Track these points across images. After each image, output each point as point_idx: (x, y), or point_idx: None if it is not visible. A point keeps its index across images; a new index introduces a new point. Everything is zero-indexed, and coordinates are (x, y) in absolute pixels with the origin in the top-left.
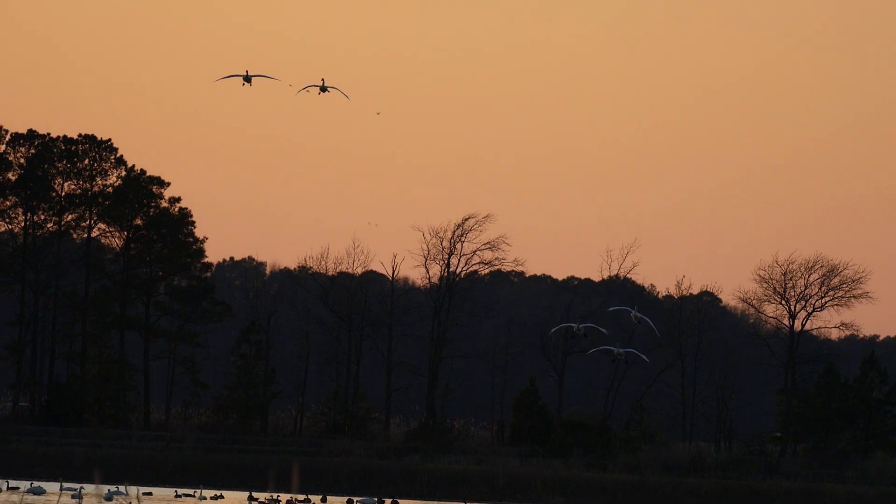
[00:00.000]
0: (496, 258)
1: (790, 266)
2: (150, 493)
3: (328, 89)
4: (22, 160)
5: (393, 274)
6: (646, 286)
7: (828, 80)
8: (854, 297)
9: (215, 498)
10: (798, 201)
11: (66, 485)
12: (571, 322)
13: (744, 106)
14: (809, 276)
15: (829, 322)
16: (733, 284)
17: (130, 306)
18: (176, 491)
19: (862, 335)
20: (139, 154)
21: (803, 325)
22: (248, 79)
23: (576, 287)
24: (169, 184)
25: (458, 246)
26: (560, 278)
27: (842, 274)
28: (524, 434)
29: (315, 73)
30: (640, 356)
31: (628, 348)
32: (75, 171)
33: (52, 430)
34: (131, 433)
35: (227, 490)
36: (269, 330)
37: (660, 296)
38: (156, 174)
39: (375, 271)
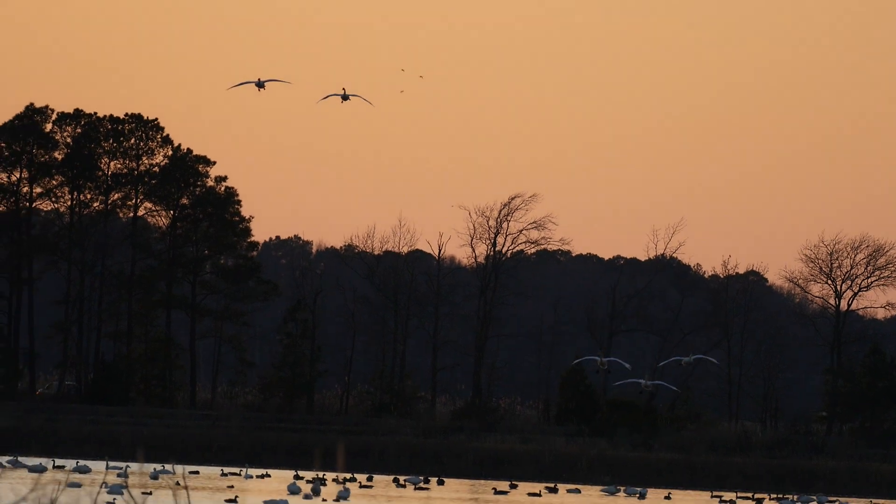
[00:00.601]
0: (542, 237)
1: (836, 246)
2: (197, 472)
3: (350, 97)
4: (68, 139)
5: (439, 253)
6: (692, 265)
7: (875, 58)
8: None
9: (261, 477)
10: (845, 181)
11: (111, 463)
12: (594, 356)
13: (791, 85)
14: (855, 256)
15: (875, 302)
16: (779, 264)
17: (177, 285)
18: (222, 470)
19: None
20: (185, 133)
21: (849, 305)
22: (260, 84)
23: (622, 266)
24: (215, 163)
25: (505, 225)
26: (606, 258)
27: (888, 254)
28: (570, 413)
29: (354, 49)
30: (670, 387)
31: (657, 381)
32: (122, 150)
33: (98, 408)
34: (177, 412)
35: (272, 469)
36: (315, 309)
37: (706, 275)
38: (202, 153)
39: (421, 250)
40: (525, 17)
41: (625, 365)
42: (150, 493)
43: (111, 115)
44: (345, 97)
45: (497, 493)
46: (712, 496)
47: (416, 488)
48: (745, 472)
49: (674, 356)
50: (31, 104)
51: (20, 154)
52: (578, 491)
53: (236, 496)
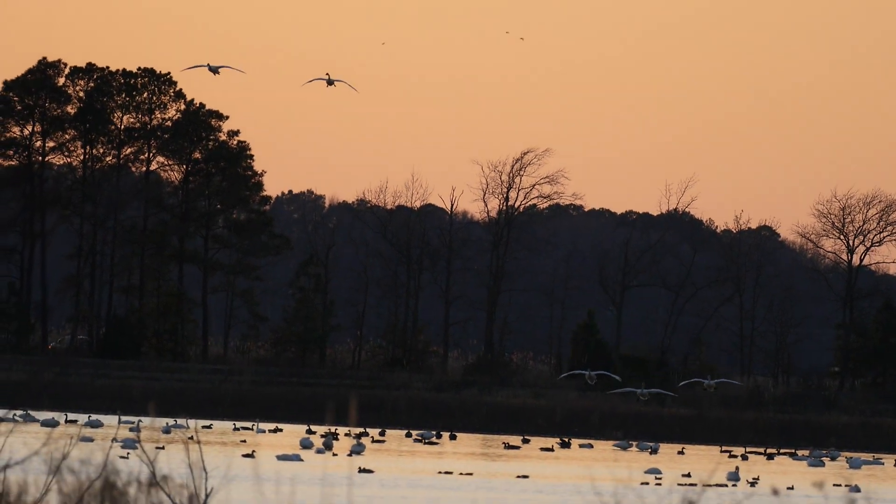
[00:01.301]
0: (555, 192)
1: (848, 201)
2: (210, 427)
3: (335, 82)
4: (81, 93)
5: (451, 207)
6: (704, 220)
7: (890, 10)
8: None
9: (273, 431)
10: (858, 136)
11: (123, 418)
12: (584, 370)
13: (803, 37)
14: (868, 212)
15: (887, 257)
16: (792, 219)
17: (189, 240)
18: (234, 424)
19: None
20: (198, 88)
21: (861, 260)
22: (214, 70)
23: (634, 221)
24: (227, 117)
25: (517, 180)
26: (619, 212)
27: None
28: (582, 368)
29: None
30: (668, 394)
31: (652, 389)
32: (134, 104)
33: (110, 363)
34: (189, 366)
35: (285, 423)
36: (327, 263)
37: (718, 230)
38: (214, 108)
39: (434, 205)
40: None
41: (615, 377)
42: (163, 448)
43: (124, 70)
44: (330, 82)
45: (509, 447)
46: (721, 451)
47: (427, 443)
48: (757, 428)
49: (696, 378)
50: (44, 58)
51: (33, 108)
52: (591, 446)
53: (253, 450)
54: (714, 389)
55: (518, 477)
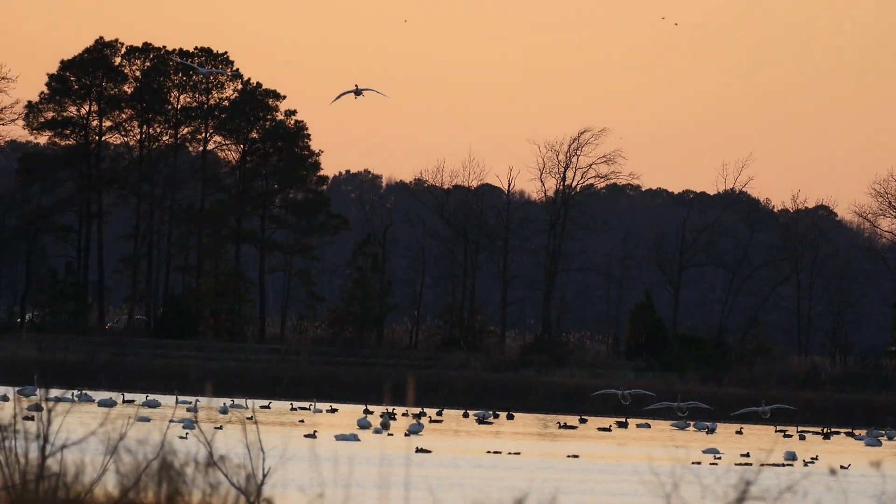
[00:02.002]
0: (612, 172)
1: None
2: (268, 407)
3: (362, 92)
4: (138, 73)
5: (509, 187)
6: (761, 200)
7: None
8: None
9: (330, 412)
10: None
11: (181, 398)
12: (617, 389)
13: (857, 15)
14: None
15: None
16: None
17: (246, 219)
18: (291, 404)
19: None
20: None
21: None
22: (358, 92)
23: (691, 201)
24: (284, 97)
25: (574, 160)
26: (675, 192)
27: None
28: (640, 348)
29: None
30: (705, 407)
31: (690, 402)
32: (191, 84)
33: (168, 343)
34: (246, 346)
35: (341, 403)
36: (384, 243)
37: (775, 209)
38: (271, 87)
39: (491, 184)
40: None
41: (649, 394)
42: (221, 428)
43: (180, 49)
44: (357, 93)
45: (566, 427)
46: (776, 430)
47: (484, 423)
48: (814, 407)
49: (752, 407)
50: (101, 38)
51: (89, 88)
52: (648, 426)
53: (315, 431)
54: (768, 416)
55: (569, 457)
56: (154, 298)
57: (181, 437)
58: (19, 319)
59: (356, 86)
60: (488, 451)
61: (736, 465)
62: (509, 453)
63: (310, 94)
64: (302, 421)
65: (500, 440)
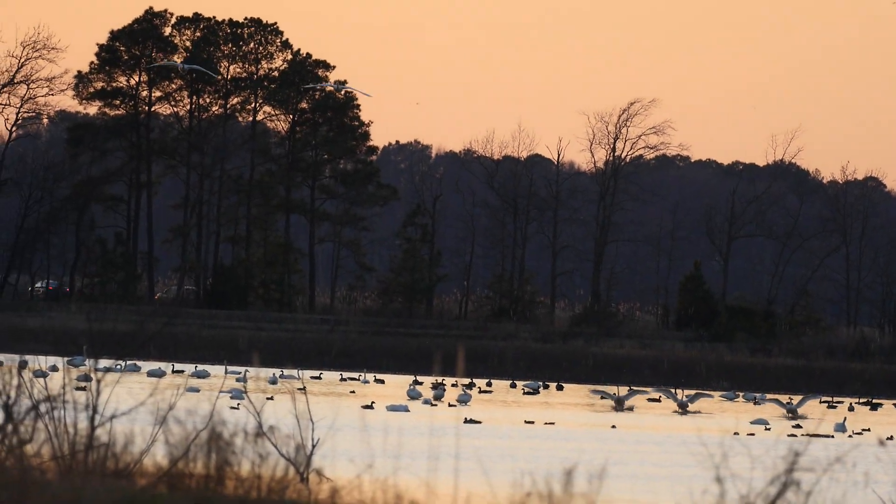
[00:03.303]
0: (661, 143)
1: None
2: (319, 377)
3: (345, 89)
4: (187, 43)
5: (558, 158)
6: (810, 171)
7: None
8: None
9: (379, 382)
10: None
11: (230, 368)
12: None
13: None
14: None
15: None
16: None
17: (295, 190)
18: (341, 375)
19: None
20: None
21: None
22: (338, 87)
23: (741, 172)
24: (334, 67)
25: (624, 130)
26: (725, 163)
27: None
28: (689, 319)
29: None
30: (708, 394)
31: (697, 392)
32: (241, 54)
33: (217, 313)
34: (296, 317)
35: (391, 374)
36: (434, 213)
37: (824, 181)
38: (321, 58)
39: (540, 155)
40: None
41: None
42: (271, 398)
43: (230, 20)
44: (338, 88)
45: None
46: (821, 402)
47: (533, 393)
48: (864, 378)
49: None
50: (150, 8)
51: (139, 58)
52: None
53: (373, 402)
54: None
55: (613, 427)
56: (203, 269)
57: (232, 408)
58: (68, 289)
59: (345, 82)
60: (526, 422)
61: (788, 436)
62: (546, 423)
63: (359, 64)
64: (353, 392)
65: (548, 410)
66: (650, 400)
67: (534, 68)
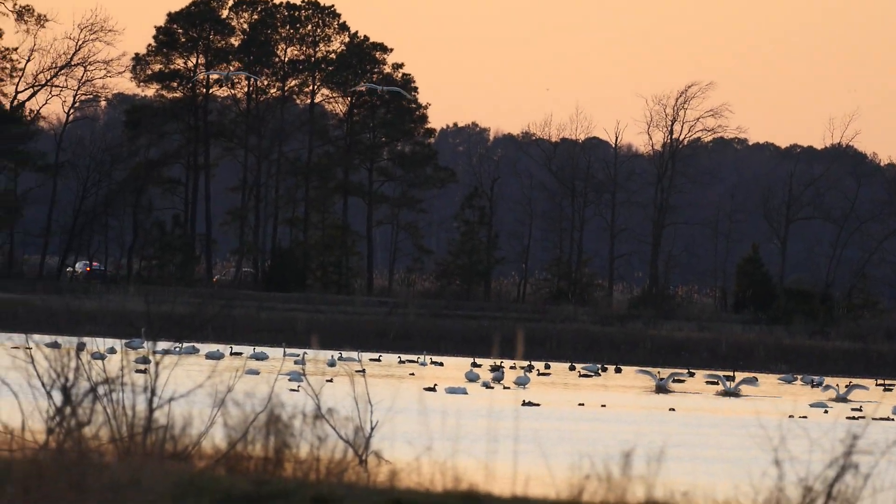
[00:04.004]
0: (719, 125)
1: None
2: (379, 359)
3: (386, 90)
4: (245, 25)
5: (616, 140)
6: (868, 154)
7: None
8: None
9: (437, 364)
10: None
11: (288, 350)
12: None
13: None
14: None
15: None
16: None
17: (353, 172)
18: (399, 357)
19: None
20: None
21: None
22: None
23: (798, 155)
24: (392, 49)
25: (681, 113)
26: (783, 146)
27: None
28: (746, 301)
29: None
30: (753, 378)
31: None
32: (298, 36)
33: (275, 295)
34: (354, 299)
35: (449, 356)
36: (492, 196)
37: (882, 164)
38: (379, 40)
39: (598, 138)
40: None
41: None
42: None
43: (287, 2)
44: (383, 88)
45: (674, 381)
46: (877, 384)
47: (583, 376)
48: None
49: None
50: None
51: (196, 40)
52: (755, 379)
53: (435, 384)
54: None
55: (670, 410)
56: (261, 251)
57: (292, 390)
58: (127, 272)
59: (376, 83)
60: (582, 404)
61: (847, 418)
62: (601, 406)
63: (417, 46)
64: (412, 374)
65: (606, 393)
66: (708, 382)
67: (592, 51)
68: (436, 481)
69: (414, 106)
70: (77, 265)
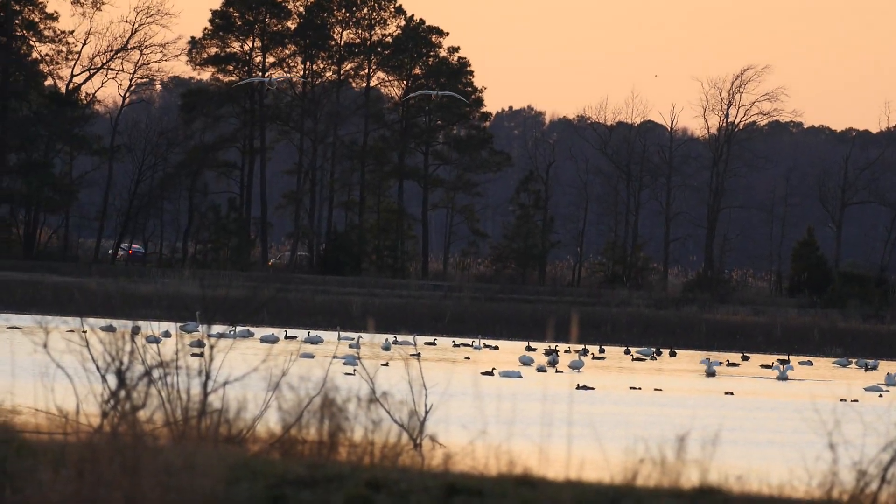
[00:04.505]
0: (774, 109)
1: None
2: (434, 343)
3: (441, 94)
4: (301, 8)
5: (671, 124)
6: None
7: None
8: None
9: (492, 348)
10: None
11: (343, 334)
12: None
13: None
14: None
15: None
16: None
17: (409, 156)
18: (454, 341)
19: None
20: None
21: None
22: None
23: (853, 138)
24: (448, 33)
25: (737, 97)
26: (838, 129)
27: None
28: (801, 285)
29: None
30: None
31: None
32: (354, 20)
33: (330, 279)
34: (409, 283)
35: (504, 340)
36: (547, 180)
37: None
38: (435, 24)
39: (654, 121)
40: None
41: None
42: (387, 364)
43: None
44: (438, 93)
45: (729, 364)
46: None
47: (636, 360)
48: None
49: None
50: None
51: (253, 24)
52: (810, 363)
53: (493, 368)
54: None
55: (726, 394)
56: (316, 235)
57: (348, 374)
58: (182, 256)
59: (435, 88)
60: (636, 388)
61: None
62: (656, 389)
63: (473, 30)
64: (468, 358)
65: (661, 377)
66: (763, 366)
67: (647, 34)
68: (490, 465)
69: (469, 89)
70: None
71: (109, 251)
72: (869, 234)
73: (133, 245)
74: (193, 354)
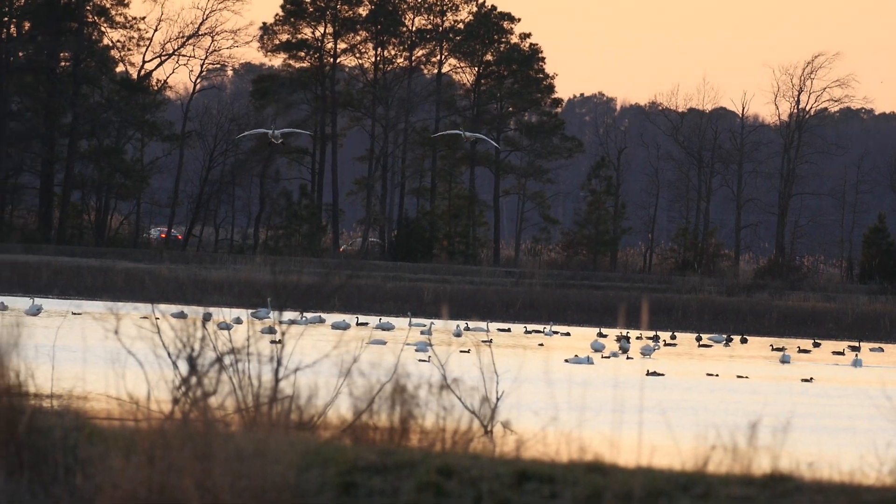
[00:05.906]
0: (845, 96)
1: None
2: (508, 330)
3: (473, 136)
4: None
5: (743, 111)
6: None
7: None
8: None
9: (564, 335)
10: None
11: (415, 320)
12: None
13: None
14: None
15: None
16: None
17: (480, 142)
18: (525, 327)
19: None
20: None
21: None
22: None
23: None
24: (519, 20)
25: (808, 83)
26: None
27: None
28: (873, 271)
29: None
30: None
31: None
32: (426, 6)
33: (401, 265)
34: (480, 269)
35: (575, 326)
36: (618, 166)
37: None
38: (506, 10)
39: (725, 108)
40: None
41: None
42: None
43: None
44: (466, 134)
45: (800, 351)
46: None
47: (703, 346)
48: None
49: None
50: None
51: (324, 10)
52: (881, 349)
53: (588, 356)
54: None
55: (803, 381)
56: (388, 221)
57: (423, 361)
58: (253, 241)
59: (463, 129)
60: (708, 374)
61: None
62: (738, 376)
63: (545, 17)
64: (541, 344)
65: (733, 363)
66: (835, 353)
67: (719, 21)
68: (561, 452)
69: (541, 76)
70: (152, 231)
71: (145, 235)
72: None
73: (168, 230)
74: (275, 342)
